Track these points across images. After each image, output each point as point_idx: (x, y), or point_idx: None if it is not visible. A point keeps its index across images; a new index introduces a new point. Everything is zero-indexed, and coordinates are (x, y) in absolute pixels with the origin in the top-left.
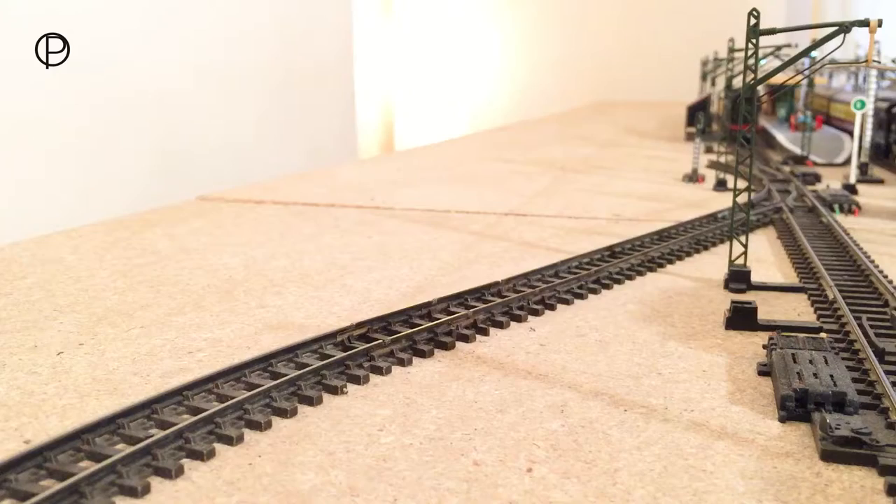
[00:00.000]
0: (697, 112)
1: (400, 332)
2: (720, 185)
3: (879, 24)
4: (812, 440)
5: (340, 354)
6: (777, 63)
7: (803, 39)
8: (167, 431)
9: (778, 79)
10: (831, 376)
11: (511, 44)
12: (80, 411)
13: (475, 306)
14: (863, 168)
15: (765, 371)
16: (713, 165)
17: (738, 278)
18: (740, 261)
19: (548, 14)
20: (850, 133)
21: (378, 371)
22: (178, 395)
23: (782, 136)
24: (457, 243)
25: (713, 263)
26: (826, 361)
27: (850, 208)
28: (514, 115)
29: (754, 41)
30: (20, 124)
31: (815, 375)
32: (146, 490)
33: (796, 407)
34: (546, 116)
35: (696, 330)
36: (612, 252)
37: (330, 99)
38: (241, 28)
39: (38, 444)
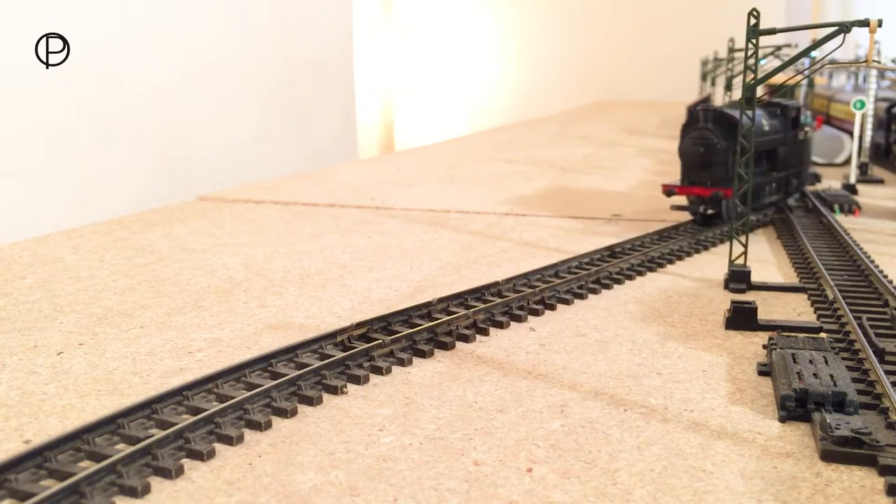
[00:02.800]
0: None
1: (400, 332)
2: None
3: (879, 24)
4: (812, 440)
5: (340, 354)
6: (777, 63)
7: (803, 39)
8: (167, 431)
9: (778, 79)
10: (831, 376)
11: (511, 44)
12: (80, 411)
13: (475, 306)
14: (863, 168)
15: (765, 371)
16: None
17: (738, 278)
18: (740, 261)
19: (547, 14)
20: (850, 133)
21: (378, 371)
22: (178, 395)
23: None
24: (457, 243)
25: (713, 263)
26: (826, 361)
27: (850, 208)
28: (514, 115)
29: (754, 41)
30: (20, 124)
31: (815, 375)
32: (146, 490)
33: (796, 407)
34: (546, 116)
35: (696, 330)
36: (612, 252)
37: (330, 99)
38: (241, 28)
39: (38, 444)
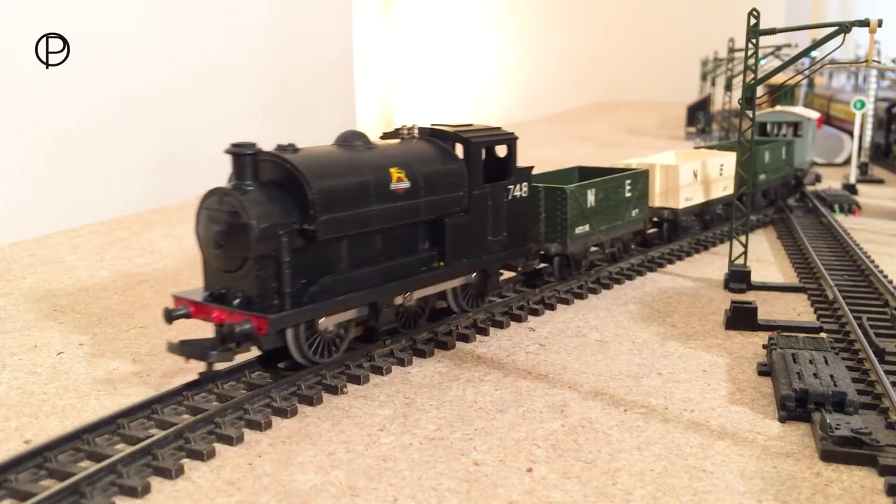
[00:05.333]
0: (697, 112)
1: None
2: None
3: (879, 24)
4: (812, 440)
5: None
6: (777, 63)
7: (803, 39)
8: (167, 431)
9: (778, 79)
10: (831, 376)
11: (511, 44)
12: (80, 411)
13: None
14: (863, 168)
15: (765, 371)
16: None
17: (738, 278)
18: (740, 261)
19: (547, 14)
20: (850, 133)
21: (378, 371)
22: (178, 395)
23: None
24: None
25: (713, 263)
26: (826, 361)
27: (850, 208)
28: (514, 115)
29: (754, 41)
30: (20, 124)
31: (815, 375)
32: (146, 490)
33: (796, 407)
34: (546, 116)
35: (696, 330)
36: (613, 253)
37: (330, 99)
38: (241, 28)
39: (38, 444)
